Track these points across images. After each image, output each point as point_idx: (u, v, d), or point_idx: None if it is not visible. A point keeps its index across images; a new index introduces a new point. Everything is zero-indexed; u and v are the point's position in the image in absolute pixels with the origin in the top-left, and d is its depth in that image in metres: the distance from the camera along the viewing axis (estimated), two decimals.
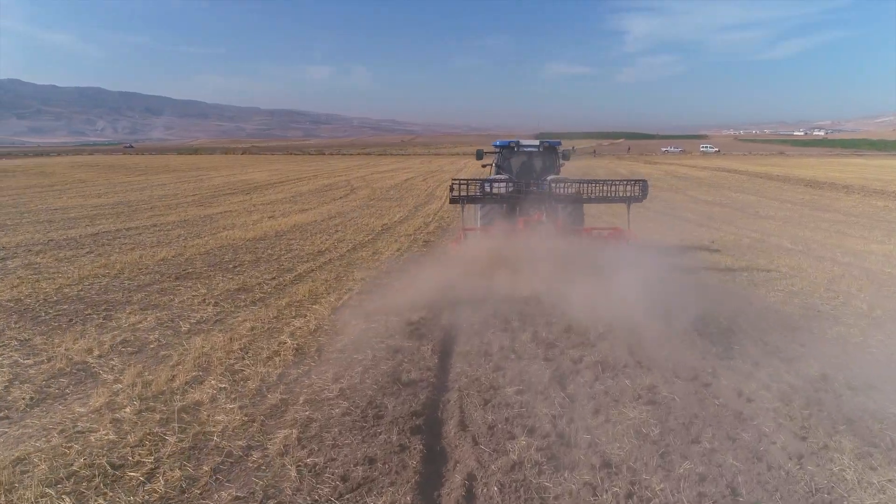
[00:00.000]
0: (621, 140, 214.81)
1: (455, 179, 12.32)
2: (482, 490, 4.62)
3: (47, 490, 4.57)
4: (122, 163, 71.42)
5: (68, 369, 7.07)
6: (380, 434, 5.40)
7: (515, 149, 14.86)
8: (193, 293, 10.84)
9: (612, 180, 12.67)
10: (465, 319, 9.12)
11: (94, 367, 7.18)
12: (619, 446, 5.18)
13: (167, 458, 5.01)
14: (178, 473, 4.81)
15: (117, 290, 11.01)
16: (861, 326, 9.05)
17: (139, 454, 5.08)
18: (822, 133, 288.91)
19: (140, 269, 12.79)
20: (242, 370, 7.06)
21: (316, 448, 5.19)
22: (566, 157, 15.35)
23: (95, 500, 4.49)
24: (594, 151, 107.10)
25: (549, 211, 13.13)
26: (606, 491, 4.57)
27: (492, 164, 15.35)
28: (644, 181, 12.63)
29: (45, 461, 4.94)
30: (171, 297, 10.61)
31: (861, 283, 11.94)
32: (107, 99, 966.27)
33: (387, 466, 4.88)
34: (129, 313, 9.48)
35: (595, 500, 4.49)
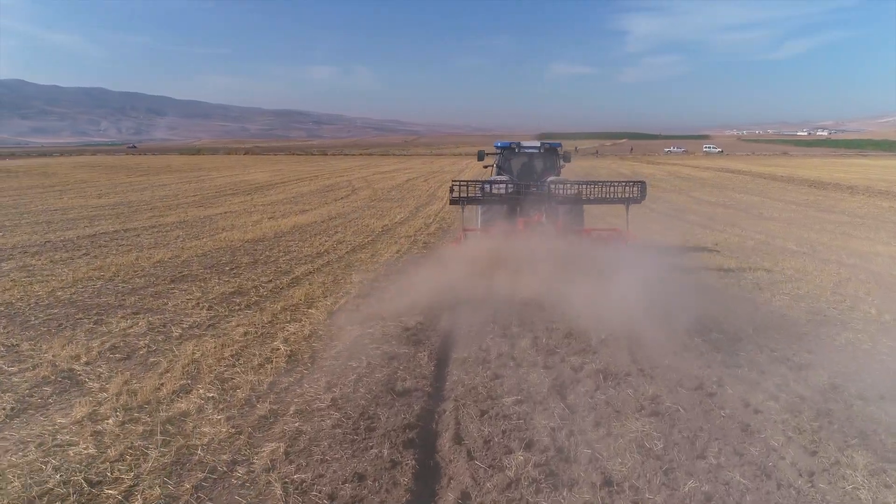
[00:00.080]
0: (624, 140, 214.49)
1: (455, 181, 12.34)
2: None
3: None
4: (124, 163, 71.38)
5: (53, 377, 6.86)
6: (371, 448, 5.17)
7: (516, 150, 14.82)
8: (188, 296, 10.65)
9: (611, 181, 12.65)
10: (464, 324, 8.93)
11: (80, 374, 6.97)
12: (621, 462, 4.96)
13: (147, 475, 4.80)
14: (157, 491, 4.59)
15: (111, 293, 10.82)
16: (870, 332, 8.82)
17: (118, 470, 4.87)
18: (825, 133, 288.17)
19: (135, 272, 12.60)
20: (232, 378, 6.85)
21: (304, 463, 4.97)
22: (567, 158, 15.23)
23: None
24: (596, 152, 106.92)
25: (549, 212, 13.12)
26: None
27: (493, 165, 15.29)
28: (643, 182, 12.55)
29: (19, 478, 4.73)
30: (165, 300, 10.41)
31: (868, 286, 11.70)
32: (110, 99, 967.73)
33: (377, 484, 4.66)
34: (121, 318, 9.28)
35: None
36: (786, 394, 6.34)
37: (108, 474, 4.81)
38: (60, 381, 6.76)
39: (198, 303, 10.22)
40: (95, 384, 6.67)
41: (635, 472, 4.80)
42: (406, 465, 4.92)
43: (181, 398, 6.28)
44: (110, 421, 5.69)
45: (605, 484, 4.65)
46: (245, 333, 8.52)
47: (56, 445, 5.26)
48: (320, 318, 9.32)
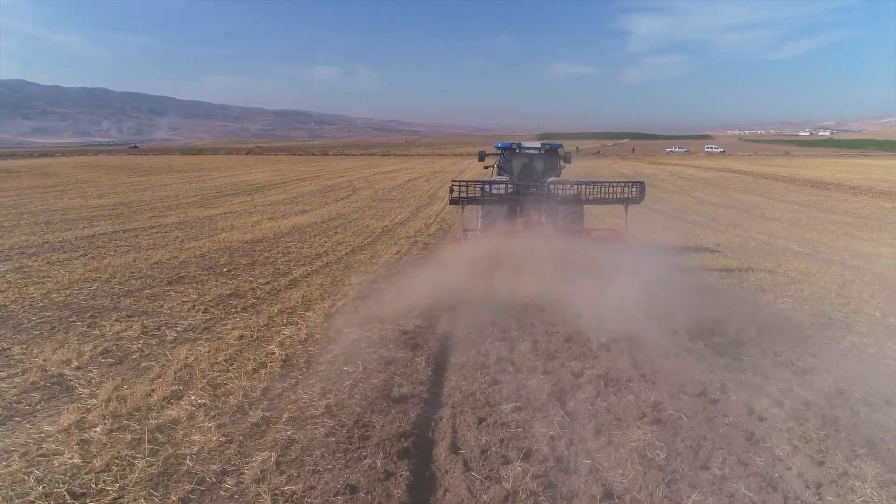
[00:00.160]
0: (625, 140, 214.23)
1: (455, 181, 12.35)
2: None
3: None
4: (125, 163, 71.35)
5: (42, 383, 6.72)
6: (365, 458, 5.02)
7: (517, 150, 14.82)
8: (184, 298, 10.52)
9: (610, 182, 12.72)
10: (463, 327, 8.80)
11: (70, 379, 6.83)
12: (622, 473, 4.80)
13: (133, 486, 4.65)
14: None
15: (106, 295, 10.69)
16: (875, 335, 8.68)
17: (103, 481, 4.72)
18: (827, 133, 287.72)
19: (132, 273, 12.48)
20: (225, 384, 6.71)
21: (295, 474, 4.82)
22: (567, 159, 15.19)
23: None
24: (598, 152, 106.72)
25: (549, 212, 13.15)
26: None
27: (494, 166, 15.30)
28: (641, 183, 12.61)
29: None
30: (161, 302, 10.29)
31: (873, 288, 11.56)
32: (112, 99, 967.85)
33: (369, 497, 4.50)
34: (115, 320, 9.15)
35: None
36: (791, 400, 6.19)
37: (93, 486, 4.67)
38: (49, 387, 6.63)
39: (194, 305, 10.10)
40: (85, 390, 6.54)
41: (637, 484, 4.65)
42: (400, 476, 4.77)
43: (172, 405, 6.15)
44: (98, 429, 5.55)
45: (606, 497, 4.50)
46: (240, 337, 8.38)
47: (41, 455, 5.12)
48: (317, 321, 9.19)
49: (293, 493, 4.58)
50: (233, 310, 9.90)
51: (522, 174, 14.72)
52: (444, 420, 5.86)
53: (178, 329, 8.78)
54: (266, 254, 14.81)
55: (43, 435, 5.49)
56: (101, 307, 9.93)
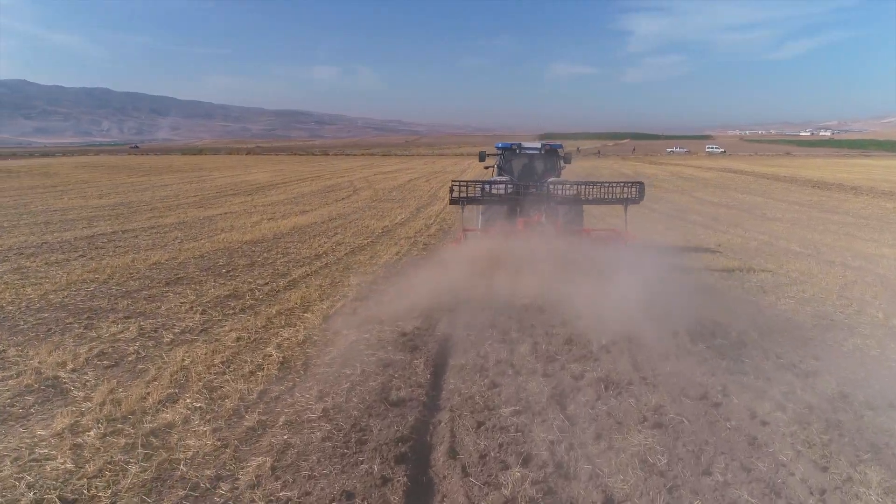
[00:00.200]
0: (626, 140, 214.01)
1: (455, 181, 12.32)
2: None
3: None
4: (126, 163, 71.31)
5: (37, 385, 6.65)
6: (361, 463, 4.94)
7: (517, 151, 14.81)
8: (182, 300, 10.46)
9: (610, 182, 12.74)
10: (462, 328, 8.73)
11: (65, 382, 6.76)
12: (623, 479, 4.73)
13: (125, 492, 4.58)
14: None
15: (103, 296, 10.63)
16: (878, 337, 8.61)
17: (95, 487, 4.65)
18: (828, 133, 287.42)
19: (130, 274, 12.42)
20: (221, 387, 6.63)
21: (290, 480, 4.75)
22: (567, 160, 15.16)
23: None
24: (598, 152, 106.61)
25: (549, 212, 13.17)
26: None
27: (494, 166, 15.30)
28: (641, 183, 12.63)
29: None
30: (159, 304, 10.22)
31: (875, 289, 11.48)
32: (113, 99, 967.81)
33: (365, 503, 4.44)
34: (112, 322, 9.09)
35: None
36: (793, 403, 6.11)
37: (85, 492, 4.60)
38: (44, 390, 6.56)
39: (191, 306, 10.03)
40: (80, 393, 6.47)
41: (638, 490, 4.57)
42: (397, 481, 4.69)
43: (167, 408, 6.07)
44: (91, 433, 5.48)
45: (607, 503, 4.43)
46: (238, 339, 8.31)
47: (33, 460, 5.05)
48: (316, 323, 9.12)
49: (288, 499, 4.51)
50: (231, 311, 9.83)
51: (522, 174, 14.71)
52: (442, 424, 5.79)
53: (176, 331, 8.72)
54: (265, 254, 14.74)
55: (36, 439, 5.41)
56: (99, 308, 9.86)
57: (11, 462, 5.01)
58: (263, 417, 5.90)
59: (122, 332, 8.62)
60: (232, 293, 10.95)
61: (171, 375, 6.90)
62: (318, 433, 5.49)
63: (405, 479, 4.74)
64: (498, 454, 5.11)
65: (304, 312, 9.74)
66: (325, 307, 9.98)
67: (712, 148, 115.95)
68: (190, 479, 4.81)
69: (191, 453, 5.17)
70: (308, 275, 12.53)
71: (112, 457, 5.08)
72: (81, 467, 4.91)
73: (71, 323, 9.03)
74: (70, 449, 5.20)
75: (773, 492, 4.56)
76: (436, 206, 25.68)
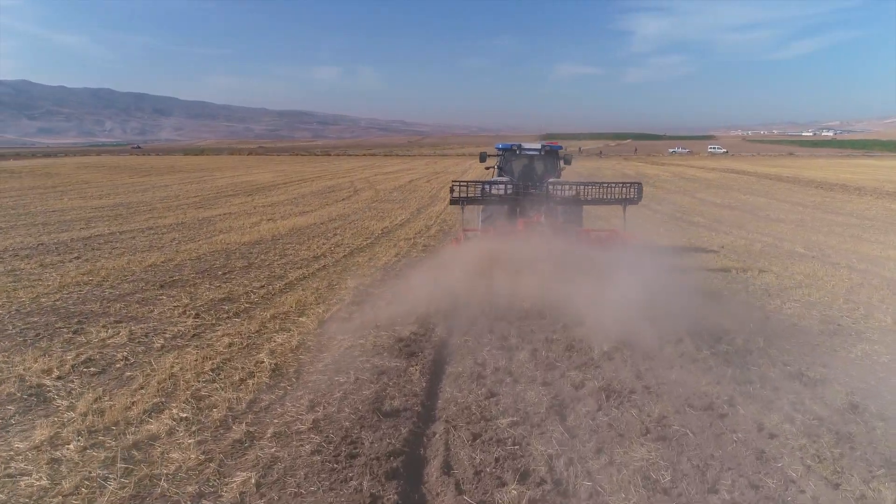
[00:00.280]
0: (628, 141, 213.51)
1: (455, 181, 12.37)
2: None
3: None
4: (128, 163, 71.29)
5: (19, 394, 6.43)
6: (350, 479, 4.71)
7: (517, 152, 14.81)
8: (175, 303, 10.26)
9: (609, 182, 12.81)
10: (460, 334, 8.57)
11: (49, 391, 6.55)
12: (625, 497, 4.50)
13: None
14: None
15: (96, 299, 10.44)
16: (887, 343, 8.39)
17: None
18: (831, 134, 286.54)
19: (125, 277, 12.24)
20: (210, 396, 6.42)
21: (276, 497, 4.52)
22: (567, 161, 15.18)
23: None
24: (600, 153, 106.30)
25: (548, 212, 13.19)
26: None
27: (494, 167, 15.34)
28: (639, 183, 12.68)
29: None
30: (151, 307, 10.03)
31: (882, 293, 11.27)
32: (116, 100, 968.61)
33: None
34: (103, 326, 8.89)
35: None
36: (802, 414, 5.90)
37: None
38: (26, 399, 6.35)
39: (185, 310, 9.83)
40: (64, 402, 6.25)
41: None
42: (387, 499, 4.45)
43: (152, 419, 5.85)
44: (71, 446, 5.25)
45: None
46: (230, 345, 8.11)
47: (7, 475, 4.82)
48: (311, 327, 8.92)
49: None
50: (224, 315, 9.63)
51: (522, 175, 14.73)
52: (436, 436, 5.56)
53: (167, 336, 8.52)
54: (263, 256, 14.56)
55: (12, 453, 5.19)
56: (90, 312, 9.67)
57: None
58: (251, 429, 5.68)
59: (111, 337, 8.42)
60: (227, 296, 10.76)
61: (159, 383, 6.69)
62: (307, 446, 5.28)
63: (396, 496, 4.50)
64: (494, 469, 4.89)
65: (299, 316, 9.54)
66: (320, 311, 9.78)
67: (714, 148, 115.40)
68: (170, 496, 4.58)
69: (173, 468, 4.94)
70: (305, 277, 12.34)
71: (90, 472, 4.85)
72: (57, 484, 4.69)
73: (60, 328, 8.83)
74: (47, 464, 4.98)
75: None
76: (437, 207, 25.52)
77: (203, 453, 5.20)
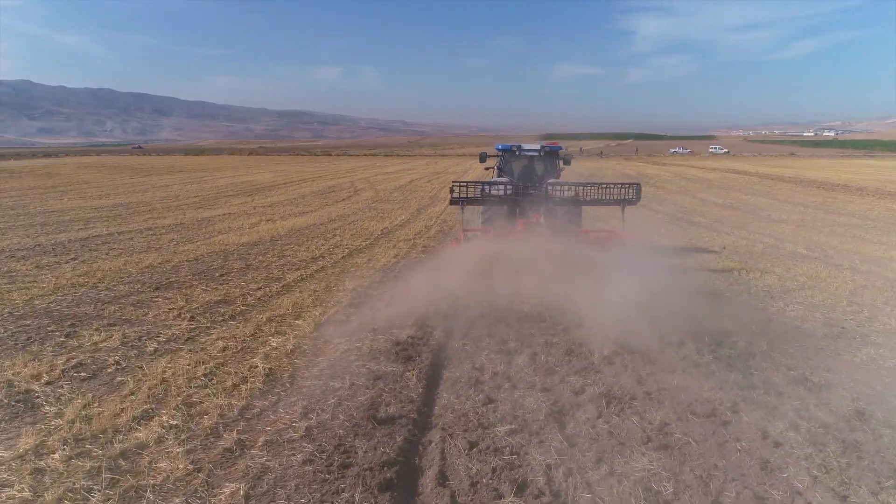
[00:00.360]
0: (629, 141, 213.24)
1: (455, 182, 12.45)
2: None
3: None
4: (128, 163, 71.16)
5: (7, 400, 6.30)
6: (342, 491, 4.57)
7: (517, 152, 14.81)
8: (170, 305, 10.13)
9: (607, 183, 12.89)
10: (458, 336, 8.45)
11: (37, 396, 6.42)
12: None
13: None
14: None
15: (90, 302, 10.31)
16: (892, 346, 8.26)
17: None
18: (832, 134, 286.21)
19: (121, 278, 12.11)
20: (201, 402, 6.28)
21: None
22: (567, 161, 15.27)
23: None
24: (601, 153, 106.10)
25: (548, 213, 13.29)
26: None
27: (494, 167, 15.36)
28: (637, 184, 12.79)
29: None
30: (146, 310, 9.89)
31: (886, 294, 11.13)
32: (116, 100, 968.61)
33: None
34: (96, 330, 8.75)
35: None
36: (807, 421, 5.76)
37: None
38: (14, 406, 6.21)
39: (179, 313, 9.71)
40: (52, 408, 6.12)
41: None
42: None
43: (141, 426, 5.72)
44: (56, 455, 5.12)
45: None
46: (224, 349, 7.97)
47: None
48: (307, 331, 8.79)
49: None
50: (220, 318, 9.50)
51: (522, 176, 14.74)
52: (432, 445, 5.42)
53: (160, 339, 8.39)
54: (261, 257, 14.42)
55: None
56: (83, 315, 9.54)
57: None
58: (243, 437, 5.54)
59: (104, 340, 8.29)
60: (223, 298, 10.63)
61: (150, 389, 6.55)
62: (299, 455, 5.13)
63: None
64: (491, 480, 4.75)
65: (295, 319, 9.41)
66: (317, 314, 9.65)
67: (716, 148, 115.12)
68: None
69: (160, 478, 4.81)
70: (303, 279, 12.21)
71: (74, 483, 4.71)
72: (40, 496, 4.56)
73: (53, 331, 8.70)
74: (31, 474, 4.84)
75: None
76: (437, 207, 25.39)
77: (192, 463, 5.06)
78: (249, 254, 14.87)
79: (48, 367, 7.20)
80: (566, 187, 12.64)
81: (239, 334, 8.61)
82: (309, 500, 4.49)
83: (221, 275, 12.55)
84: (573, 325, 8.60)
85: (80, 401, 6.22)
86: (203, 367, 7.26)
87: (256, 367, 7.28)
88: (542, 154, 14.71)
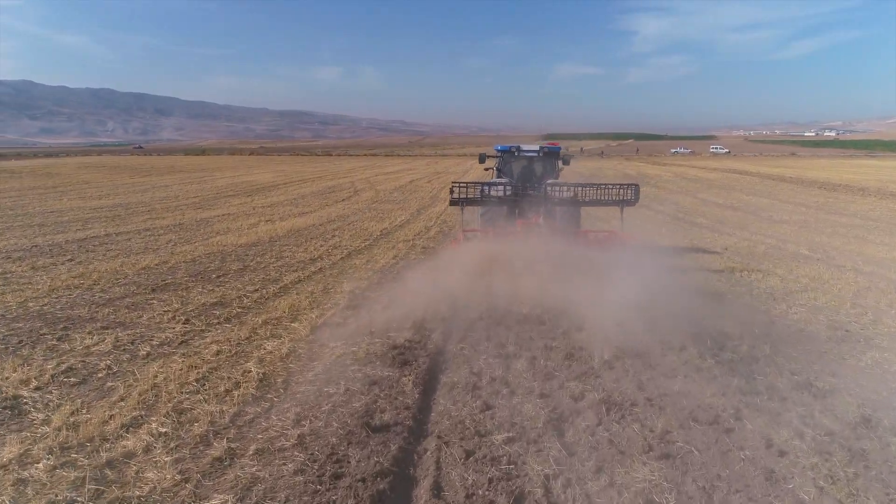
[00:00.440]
0: (630, 141, 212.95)
1: (455, 182, 12.57)
2: None
3: None
4: (129, 164, 71.05)
5: None
6: (334, 503, 4.44)
7: (516, 153, 14.84)
8: (165, 308, 10.01)
9: (606, 184, 13.00)
10: (456, 339, 8.33)
11: (25, 402, 6.28)
12: None
13: None
14: None
15: (84, 304, 10.18)
16: None
17: None
18: (833, 134, 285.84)
19: (117, 280, 11.98)
20: (192, 409, 6.14)
21: None
22: (566, 161, 15.36)
23: None
24: (602, 153, 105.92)
25: (547, 214, 13.42)
26: None
27: (493, 168, 15.38)
28: (636, 185, 12.83)
29: None
30: (140, 312, 9.77)
31: (890, 297, 11.00)
32: (117, 100, 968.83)
33: None
34: (88, 333, 8.62)
35: None
36: (812, 429, 5.61)
37: None
38: (0, 412, 6.08)
39: (174, 315, 9.58)
40: (39, 415, 5.98)
41: None
42: None
43: (129, 434, 5.57)
44: (41, 465, 4.97)
45: None
46: (218, 352, 7.84)
47: None
48: (303, 334, 8.66)
49: None
50: (215, 320, 9.37)
51: (521, 176, 14.80)
52: (427, 454, 5.28)
53: (154, 343, 8.25)
54: (259, 258, 14.30)
55: None
56: (77, 318, 9.41)
57: None
58: (233, 445, 5.40)
59: (96, 344, 8.15)
60: (219, 301, 10.50)
61: (140, 395, 6.41)
62: (291, 465, 4.99)
63: None
64: (487, 492, 4.60)
65: (291, 322, 9.27)
66: (314, 316, 9.52)
67: (717, 148, 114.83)
68: None
69: (147, 489, 4.67)
70: (300, 280, 12.08)
71: (57, 495, 4.57)
72: None
73: (45, 334, 8.57)
74: (13, 485, 4.70)
75: None
76: (437, 208, 25.27)
77: (180, 473, 4.92)
78: (247, 255, 14.74)
79: (38, 371, 7.07)
80: (565, 188, 12.67)
81: (233, 337, 8.48)
82: None
83: (218, 276, 12.42)
84: (573, 328, 8.47)
85: (68, 407, 6.09)
86: (196, 371, 7.12)
87: (250, 371, 7.14)
88: (540, 155, 14.73)
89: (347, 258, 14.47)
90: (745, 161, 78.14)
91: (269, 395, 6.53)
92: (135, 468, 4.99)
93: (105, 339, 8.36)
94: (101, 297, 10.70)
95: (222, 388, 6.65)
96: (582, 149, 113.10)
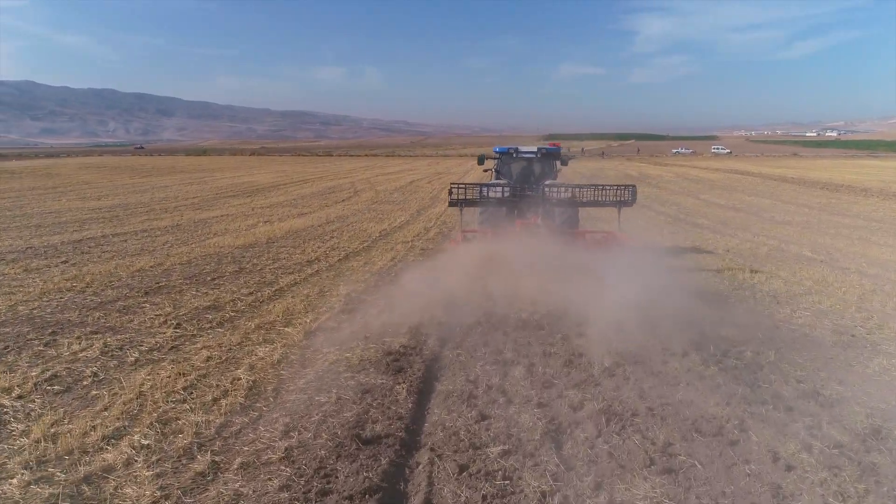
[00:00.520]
0: (631, 141, 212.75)
1: (454, 184, 12.69)
2: None
3: None
4: (129, 164, 70.98)
5: None
6: None
7: (514, 155, 14.91)
8: (157, 312, 9.81)
9: (603, 185, 13.10)
10: (452, 345, 8.13)
11: (5, 412, 6.07)
12: None
13: None
14: None
15: (75, 307, 9.98)
16: None
17: None
18: (834, 134, 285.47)
19: (110, 282, 11.79)
20: (177, 419, 5.92)
21: None
22: (565, 162, 15.44)
23: None
24: (603, 153, 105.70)
25: (545, 214, 13.62)
26: None
27: (492, 169, 15.45)
28: (633, 186, 12.99)
29: None
30: (132, 316, 9.57)
31: None
32: (119, 100, 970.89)
33: None
34: (77, 338, 8.42)
35: None
36: (820, 441, 5.39)
37: None
38: None
39: (166, 320, 9.38)
40: (19, 426, 5.77)
41: None
42: None
43: (110, 447, 5.36)
44: (14, 481, 4.76)
45: None
46: (208, 358, 7.63)
47: None
48: (296, 339, 8.45)
49: None
50: (207, 325, 9.17)
51: (520, 178, 14.84)
52: (420, 468, 5.06)
53: (143, 348, 8.05)
54: (255, 260, 14.11)
55: None
56: (66, 322, 9.21)
57: None
58: (217, 458, 5.19)
59: (84, 350, 7.94)
60: (212, 304, 10.31)
61: (125, 404, 6.20)
62: (276, 480, 4.78)
63: None
64: None
65: (285, 326, 9.07)
66: (308, 321, 9.31)
67: (718, 149, 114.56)
68: None
69: None
70: (296, 283, 11.89)
71: None
72: None
73: (32, 339, 8.37)
74: None
75: None
76: (437, 208, 25.09)
77: (160, 489, 4.70)
78: (244, 256, 14.56)
79: (21, 379, 6.87)
80: (563, 189, 12.79)
81: (225, 343, 8.28)
82: None
83: (213, 279, 12.23)
84: (573, 334, 8.27)
85: (49, 417, 5.88)
86: (184, 379, 6.91)
87: (240, 379, 6.93)
88: (539, 156, 14.78)
89: (345, 260, 14.28)
90: (746, 161, 77.89)
91: (257, 405, 6.32)
92: (113, 484, 4.77)
93: (93, 344, 8.16)
94: (92, 300, 10.51)
95: (210, 397, 6.43)
96: (583, 149, 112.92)
